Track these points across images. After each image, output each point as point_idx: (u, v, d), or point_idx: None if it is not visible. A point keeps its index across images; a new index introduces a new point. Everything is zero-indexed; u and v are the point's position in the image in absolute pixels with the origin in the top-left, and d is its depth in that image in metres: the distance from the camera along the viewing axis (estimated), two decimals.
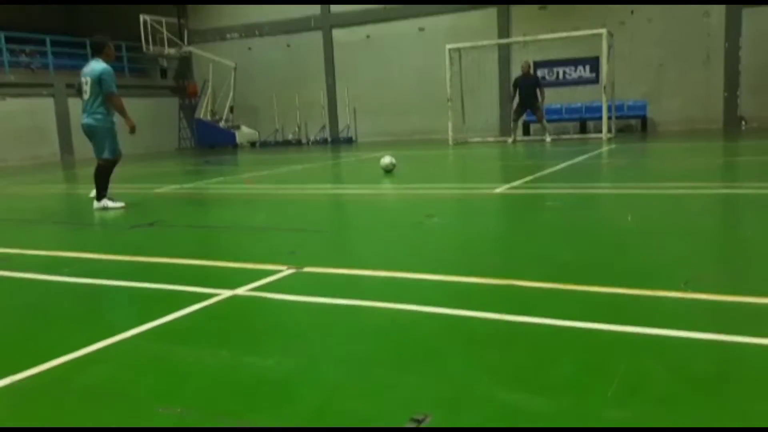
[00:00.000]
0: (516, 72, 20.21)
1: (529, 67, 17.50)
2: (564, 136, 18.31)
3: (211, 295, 3.58)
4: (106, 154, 7.56)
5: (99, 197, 7.60)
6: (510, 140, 17.27)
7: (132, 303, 3.65)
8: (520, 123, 17.87)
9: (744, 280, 3.50)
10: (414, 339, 2.82)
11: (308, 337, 2.90)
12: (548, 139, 16.72)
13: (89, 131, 7.58)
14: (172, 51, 24.85)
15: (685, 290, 3.24)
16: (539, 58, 19.74)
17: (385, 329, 2.98)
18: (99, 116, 7.46)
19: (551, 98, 19.44)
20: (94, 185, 7.70)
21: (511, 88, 17.57)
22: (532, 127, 18.54)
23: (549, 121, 17.81)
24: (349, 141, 23.35)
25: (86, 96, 7.47)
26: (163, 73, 26.14)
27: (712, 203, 6.44)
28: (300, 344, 2.81)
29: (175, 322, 3.19)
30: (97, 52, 7.59)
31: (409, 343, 2.77)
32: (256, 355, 2.72)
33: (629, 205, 6.29)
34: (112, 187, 7.85)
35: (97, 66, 7.43)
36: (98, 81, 7.35)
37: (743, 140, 14.22)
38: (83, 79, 7.49)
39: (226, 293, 3.61)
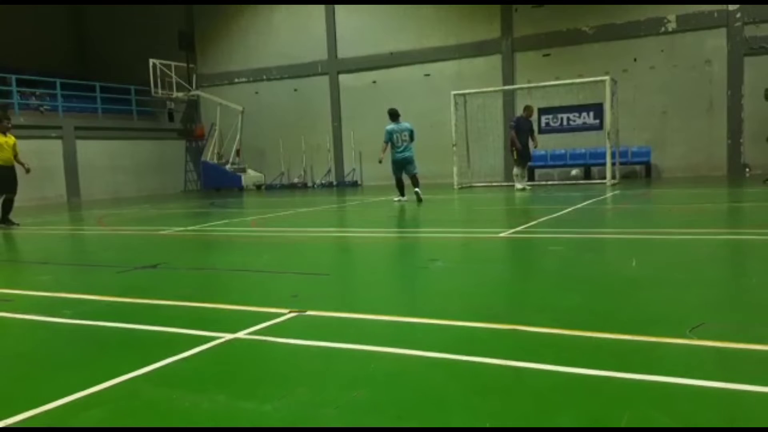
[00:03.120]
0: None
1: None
2: (568, 182, 18.36)
3: (211, 339, 3.55)
4: (418, 170, 13.55)
5: (403, 194, 13.46)
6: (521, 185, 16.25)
7: (132, 345, 3.62)
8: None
9: (750, 328, 3.45)
10: (416, 385, 2.78)
11: (308, 382, 2.86)
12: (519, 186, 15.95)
13: (409, 160, 13.27)
14: (181, 95, 25.22)
15: (690, 337, 3.20)
16: (543, 104, 19.96)
17: (387, 375, 2.94)
18: (413, 151, 13.34)
19: (556, 143, 19.58)
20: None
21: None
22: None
23: (554, 166, 17.83)
24: (355, 185, 23.46)
25: (404, 143, 13.09)
26: (171, 116, 26.46)
27: (717, 249, 6.41)
28: (299, 389, 2.77)
29: (174, 366, 3.15)
30: (397, 117, 13.22)
31: (410, 390, 2.73)
32: (254, 400, 2.68)
33: (634, 251, 6.27)
34: None
35: (407, 124, 13.25)
36: (411, 133, 13.22)
37: (747, 187, 14.23)
38: (403, 133, 13.09)
39: (227, 337, 3.58)
